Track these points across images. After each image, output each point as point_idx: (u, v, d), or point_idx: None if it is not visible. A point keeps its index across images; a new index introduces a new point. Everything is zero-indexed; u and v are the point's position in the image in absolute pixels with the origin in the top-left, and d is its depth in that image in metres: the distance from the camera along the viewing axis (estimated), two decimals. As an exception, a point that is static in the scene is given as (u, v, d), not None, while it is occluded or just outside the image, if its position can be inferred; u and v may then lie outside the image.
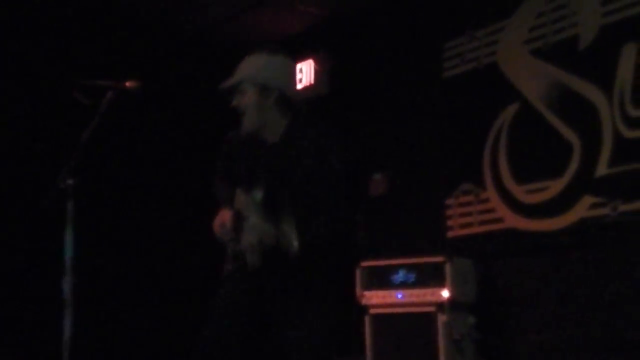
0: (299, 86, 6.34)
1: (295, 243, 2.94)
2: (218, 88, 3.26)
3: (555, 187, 5.01)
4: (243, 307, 3.30)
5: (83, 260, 3.34)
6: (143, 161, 5.93)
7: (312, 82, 6.42)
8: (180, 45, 6.72)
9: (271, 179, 3.07)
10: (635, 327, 4.15)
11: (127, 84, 3.49)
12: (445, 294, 4.86)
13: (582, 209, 4.83)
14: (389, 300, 5.07)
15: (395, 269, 5.09)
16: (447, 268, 4.89)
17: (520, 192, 5.24)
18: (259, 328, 3.50)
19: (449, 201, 5.64)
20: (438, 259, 4.98)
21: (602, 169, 4.74)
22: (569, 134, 5.03)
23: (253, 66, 3.11)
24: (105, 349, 5.34)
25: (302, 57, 6.47)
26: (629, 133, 4.63)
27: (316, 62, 6.42)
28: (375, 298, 5.11)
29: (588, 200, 4.79)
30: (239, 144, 3.28)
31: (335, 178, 3.03)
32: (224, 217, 3.17)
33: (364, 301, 5.14)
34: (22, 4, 5.72)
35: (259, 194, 3.09)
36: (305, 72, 6.50)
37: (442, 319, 4.83)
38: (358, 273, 5.22)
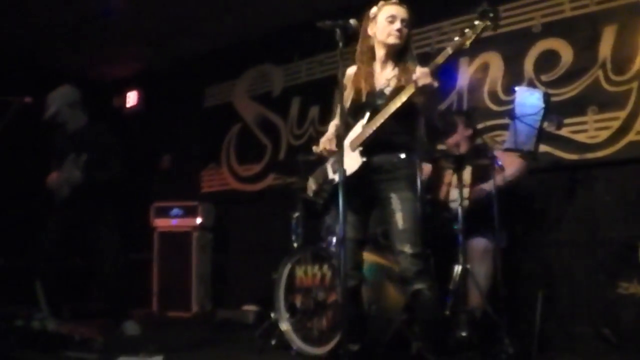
0: (128, 105, 7.80)
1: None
2: None
3: (256, 168, 6.84)
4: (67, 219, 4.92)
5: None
6: (27, 143, 6.53)
7: (136, 103, 7.88)
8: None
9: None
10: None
11: (26, 99, 4.49)
12: (198, 221, 6.58)
13: (269, 180, 6.68)
14: (168, 224, 6.68)
15: (172, 207, 6.68)
16: (199, 208, 6.63)
17: (240, 169, 7.01)
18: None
19: (203, 173, 7.33)
20: (195, 203, 6.67)
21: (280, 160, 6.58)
22: (265, 140, 6.85)
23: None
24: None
25: (131, 89, 7.96)
26: (294, 142, 6.55)
27: (138, 93, 7.86)
28: (160, 223, 6.71)
29: (272, 176, 6.63)
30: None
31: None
32: (53, 176, 4.97)
33: (154, 224, 6.69)
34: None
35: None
36: (132, 98, 7.90)
37: (195, 235, 6.58)
38: (152, 209, 6.70)
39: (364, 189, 3.30)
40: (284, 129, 6.75)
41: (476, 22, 2.99)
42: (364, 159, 3.25)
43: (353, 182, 3.17)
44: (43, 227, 4.99)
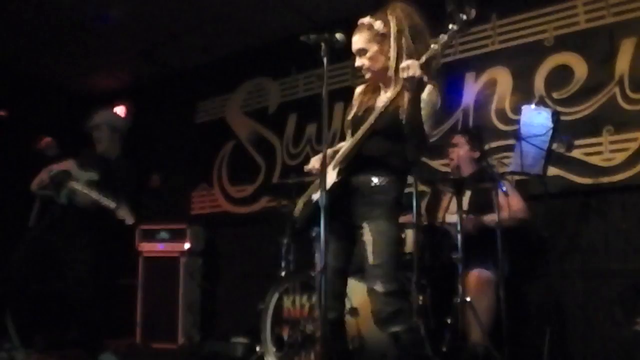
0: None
1: None
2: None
3: (250, 189, 6.78)
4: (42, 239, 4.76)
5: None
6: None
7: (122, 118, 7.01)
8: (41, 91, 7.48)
9: None
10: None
11: (1, 112, 5.04)
12: (186, 246, 6.49)
13: (263, 202, 6.64)
14: (154, 249, 6.58)
15: (159, 230, 6.59)
16: (188, 231, 6.53)
17: (232, 190, 6.97)
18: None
19: (194, 193, 7.29)
20: (183, 225, 6.57)
21: (275, 181, 6.53)
22: (259, 160, 6.78)
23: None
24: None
25: (117, 103, 7.46)
26: (289, 162, 6.48)
27: (126, 107, 7.48)
28: (146, 247, 6.60)
29: (266, 198, 6.59)
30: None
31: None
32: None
33: (139, 249, 6.57)
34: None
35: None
36: (119, 112, 7.23)
37: (182, 260, 6.48)
38: (137, 232, 6.56)
39: (342, 214, 3.10)
40: (279, 147, 6.69)
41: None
42: (337, 179, 3.06)
43: (330, 204, 2.97)
44: (15, 249, 4.86)
